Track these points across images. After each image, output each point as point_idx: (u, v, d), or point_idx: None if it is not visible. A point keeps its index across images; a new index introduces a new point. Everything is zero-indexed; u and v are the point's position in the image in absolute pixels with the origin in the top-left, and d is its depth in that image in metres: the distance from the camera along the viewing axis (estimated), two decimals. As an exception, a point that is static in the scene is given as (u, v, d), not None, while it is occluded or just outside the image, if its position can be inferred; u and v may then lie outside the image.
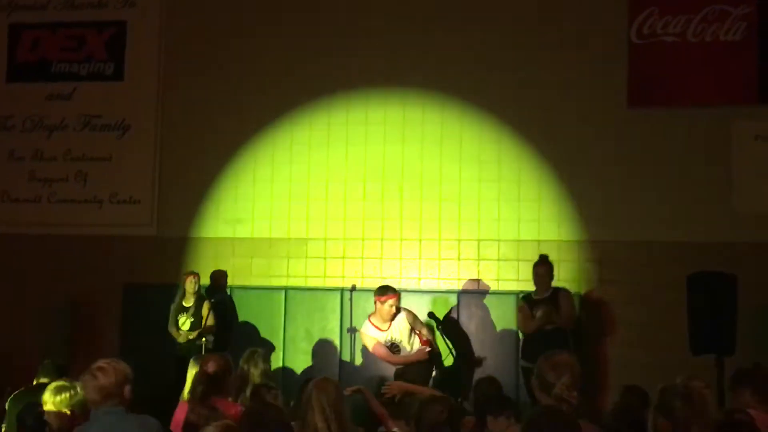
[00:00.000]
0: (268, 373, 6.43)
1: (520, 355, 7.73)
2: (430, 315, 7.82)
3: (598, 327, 8.30)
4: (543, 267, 7.76)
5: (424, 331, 7.24)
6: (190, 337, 8.09)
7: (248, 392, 5.80)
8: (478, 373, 7.65)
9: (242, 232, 9.06)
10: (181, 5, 9.49)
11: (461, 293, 8.62)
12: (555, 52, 8.65)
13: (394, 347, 7.14)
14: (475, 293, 8.57)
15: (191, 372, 5.80)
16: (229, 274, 8.89)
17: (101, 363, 4.10)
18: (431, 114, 8.84)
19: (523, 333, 7.85)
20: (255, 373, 6.23)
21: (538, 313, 7.58)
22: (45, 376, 5.85)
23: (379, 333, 7.12)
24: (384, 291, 7.13)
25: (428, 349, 7.12)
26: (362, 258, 8.72)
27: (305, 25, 9.17)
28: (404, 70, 8.89)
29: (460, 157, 8.78)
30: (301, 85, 9.07)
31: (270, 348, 8.29)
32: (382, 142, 8.91)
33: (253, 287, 8.96)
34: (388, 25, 8.98)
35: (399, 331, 7.12)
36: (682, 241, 8.25)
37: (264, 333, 8.81)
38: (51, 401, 4.79)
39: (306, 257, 8.88)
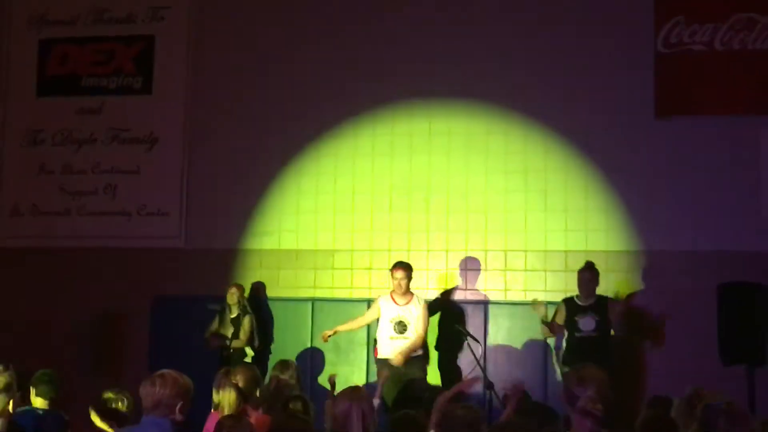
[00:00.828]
0: (300, 383, 6.47)
1: (562, 365, 7.73)
2: (457, 326, 7.83)
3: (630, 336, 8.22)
4: (590, 272, 7.75)
5: (420, 330, 7.78)
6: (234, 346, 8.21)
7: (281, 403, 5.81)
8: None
9: (269, 243, 9.10)
10: (210, 19, 9.58)
11: (488, 304, 8.60)
12: (582, 61, 8.63)
13: (400, 325, 7.74)
14: (504, 304, 8.54)
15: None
16: (257, 285, 8.95)
17: (165, 371, 4.01)
18: (456, 124, 8.85)
19: (550, 331, 7.87)
20: (289, 383, 6.26)
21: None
22: (39, 389, 5.78)
23: (393, 305, 7.79)
24: (395, 265, 7.90)
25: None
26: (389, 269, 8.71)
27: (329, 38, 9.21)
28: (430, 81, 8.90)
29: (486, 167, 8.77)
30: (327, 98, 9.10)
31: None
32: (408, 153, 8.93)
33: (279, 299, 8.99)
34: (411, 35, 9.00)
35: (412, 313, 7.78)
36: (710, 251, 8.19)
37: (291, 345, 8.83)
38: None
39: (333, 268, 8.90)
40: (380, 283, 8.61)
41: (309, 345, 8.80)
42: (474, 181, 8.78)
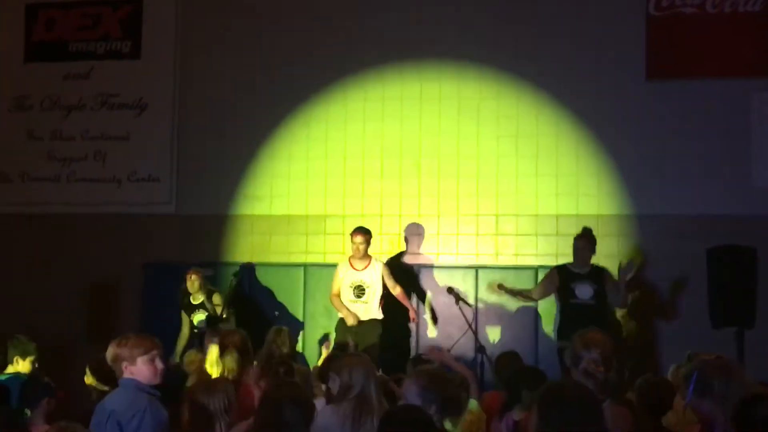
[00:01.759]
0: (294, 350, 6.52)
1: (558, 337, 7.59)
2: (449, 290, 7.87)
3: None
4: (585, 239, 7.69)
5: (392, 286, 8.03)
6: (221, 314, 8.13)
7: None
8: (494, 349, 7.67)
9: (260, 209, 9.09)
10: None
11: (479, 268, 8.63)
12: (574, 24, 8.60)
13: (359, 289, 7.97)
14: (495, 269, 8.58)
15: (212, 348, 5.88)
16: (248, 251, 8.96)
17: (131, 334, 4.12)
18: (448, 88, 8.82)
19: (532, 296, 7.90)
20: (280, 352, 6.31)
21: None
22: (18, 355, 5.83)
23: (351, 271, 8.02)
24: (355, 230, 8.08)
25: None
26: (381, 234, 8.72)
27: (321, 1, 9.14)
28: (421, 44, 8.85)
29: (477, 132, 8.76)
30: (316, 63, 9.05)
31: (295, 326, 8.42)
32: (399, 118, 8.90)
33: (272, 264, 9.00)
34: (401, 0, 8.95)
35: (372, 277, 8.01)
36: (700, 215, 8.22)
37: (283, 310, 8.87)
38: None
39: (324, 234, 8.91)
40: (372, 248, 8.62)
41: (302, 310, 8.83)
42: (465, 145, 8.77)
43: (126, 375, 3.99)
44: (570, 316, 7.49)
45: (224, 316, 7.96)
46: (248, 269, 8.88)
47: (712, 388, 3.45)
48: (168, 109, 9.44)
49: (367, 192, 8.89)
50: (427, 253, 8.78)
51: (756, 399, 3.24)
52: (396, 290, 8.09)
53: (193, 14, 9.45)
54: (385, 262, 8.35)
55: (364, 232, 8.04)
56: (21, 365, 5.78)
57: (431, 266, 8.74)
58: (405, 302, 8.16)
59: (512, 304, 8.42)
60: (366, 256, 8.04)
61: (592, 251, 7.71)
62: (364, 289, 7.99)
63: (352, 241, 8.02)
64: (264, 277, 8.96)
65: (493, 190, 8.68)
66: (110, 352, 4.02)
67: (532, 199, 8.62)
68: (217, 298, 8.21)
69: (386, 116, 8.91)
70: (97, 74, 9.64)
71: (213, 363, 5.73)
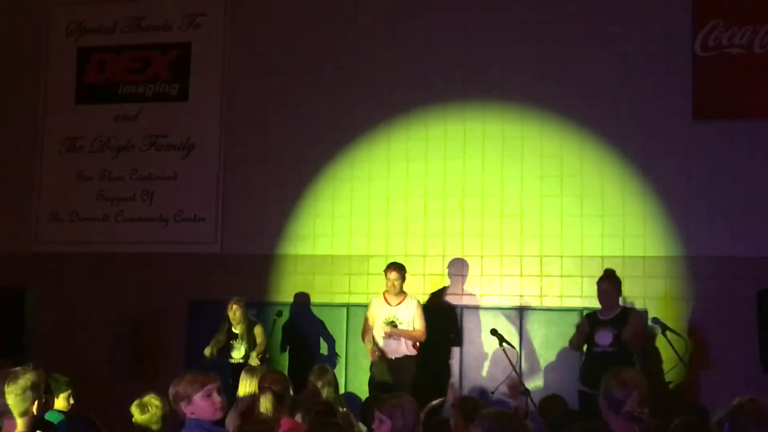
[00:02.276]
0: (337, 390, 6.48)
1: (579, 380, 7.40)
2: (493, 332, 7.78)
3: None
4: (606, 282, 7.42)
5: (418, 327, 7.84)
6: (252, 363, 8.12)
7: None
8: (539, 392, 7.56)
9: (304, 249, 9.13)
10: (244, 26, 9.63)
11: (524, 310, 8.55)
12: (619, 64, 8.57)
13: (392, 324, 7.86)
14: (539, 310, 8.49)
15: (244, 384, 5.87)
16: (291, 291, 8.99)
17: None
18: (492, 128, 8.82)
19: (572, 348, 7.66)
20: (327, 390, 6.28)
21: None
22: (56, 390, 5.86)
23: (385, 306, 7.90)
24: (388, 266, 8.01)
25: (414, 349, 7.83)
26: (424, 275, 8.70)
27: (362, 43, 9.24)
28: (464, 84, 8.88)
29: (521, 171, 8.73)
30: (360, 103, 9.13)
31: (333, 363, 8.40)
32: (442, 158, 8.91)
33: (315, 304, 9.01)
34: (445, 38, 8.99)
35: (405, 313, 7.87)
36: (749, 256, 8.08)
37: (326, 350, 8.86)
38: (138, 416, 4.93)
39: (368, 274, 8.90)
40: (415, 287, 8.60)
41: (344, 350, 8.81)
42: (509, 185, 8.74)
43: (188, 414, 3.97)
44: (590, 363, 7.24)
45: (259, 356, 8.01)
46: (291, 309, 8.89)
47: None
48: (214, 150, 9.57)
49: (410, 232, 8.89)
50: (470, 293, 8.73)
51: None
52: (417, 332, 7.84)
53: (239, 58, 9.60)
54: (426, 299, 8.29)
55: (398, 268, 7.94)
56: (56, 402, 5.82)
57: (476, 307, 8.68)
58: (410, 340, 7.85)
59: (557, 345, 8.31)
60: (401, 292, 7.95)
61: (617, 292, 7.40)
62: (397, 325, 7.85)
63: (386, 277, 7.92)
64: (307, 317, 8.96)
65: (537, 230, 8.63)
66: (170, 392, 4.02)
67: (577, 240, 8.54)
68: (258, 331, 8.24)
69: (429, 156, 8.93)
70: (145, 116, 9.82)
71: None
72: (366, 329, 8.00)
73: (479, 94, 8.85)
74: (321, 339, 8.94)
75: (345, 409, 6.60)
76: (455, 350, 8.63)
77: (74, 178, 9.88)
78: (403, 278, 7.93)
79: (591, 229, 8.51)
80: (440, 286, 8.77)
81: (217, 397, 3.96)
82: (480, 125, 8.84)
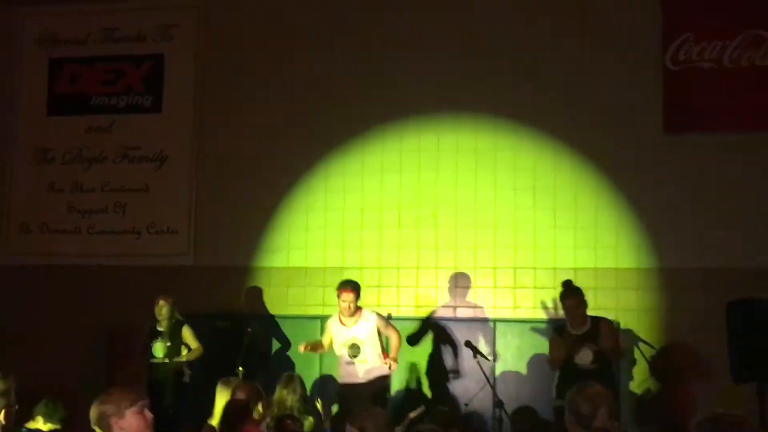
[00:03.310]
0: (305, 398, 6.46)
1: (554, 394, 7.35)
2: (467, 344, 7.78)
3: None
4: (570, 299, 7.27)
5: (393, 340, 7.43)
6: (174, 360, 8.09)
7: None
8: (513, 403, 7.57)
9: (278, 261, 9.10)
10: (218, 38, 9.62)
11: (497, 322, 8.57)
12: (591, 78, 8.64)
13: (353, 348, 7.33)
14: (513, 322, 8.52)
15: (220, 398, 5.85)
16: (264, 303, 8.95)
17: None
18: (465, 141, 8.85)
19: (552, 367, 7.44)
20: (292, 398, 6.26)
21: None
22: (42, 416, 5.78)
23: (342, 328, 7.37)
24: (340, 284, 7.39)
25: (390, 367, 7.34)
26: (398, 287, 8.70)
27: (337, 55, 9.25)
28: (437, 96, 8.91)
29: (494, 183, 8.76)
30: (333, 116, 9.13)
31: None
32: (416, 170, 8.93)
33: (288, 316, 8.98)
34: (418, 50, 9.03)
35: (364, 332, 7.33)
36: (719, 267, 8.15)
37: (300, 362, 8.82)
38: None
39: (341, 286, 8.88)
40: (389, 300, 8.62)
41: (318, 363, 8.78)
42: (483, 197, 8.77)
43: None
44: (568, 378, 7.02)
45: (185, 359, 7.95)
46: (264, 321, 8.84)
47: None
48: (187, 162, 9.53)
49: (384, 244, 8.89)
50: (444, 306, 8.74)
51: None
52: (393, 340, 7.52)
53: (213, 69, 9.58)
54: (399, 311, 8.28)
55: (354, 289, 7.34)
56: (43, 426, 5.74)
57: (450, 319, 8.68)
58: (393, 350, 7.52)
59: (531, 357, 8.33)
60: (356, 311, 7.42)
61: (584, 306, 7.30)
62: (359, 347, 7.35)
63: (340, 298, 7.36)
64: (279, 330, 8.92)
65: (510, 242, 8.66)
66: (93, 411, 3.72)
67: (550, 252, 8.58)
68: (187, 332, 8.19)
69: (404, 168, 8.95)
70: (118, 127, 9.76)
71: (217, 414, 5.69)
72: (324, 342, 7.60)
73: (453, 106, 8.88)
74: (294, 352, 8.89)
75: (311, 418, 6.59)
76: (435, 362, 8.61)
77: (45, 189, 9.80)
78: (357, 297, 7.39)
79: (564, 240, 8.56)
80: (415, 300, 8.77)
81: (148, 414, 3.83)
82: (454, 137, 8.88)
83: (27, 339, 9.18)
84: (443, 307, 8.73)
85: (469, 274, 8.72)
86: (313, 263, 9.02)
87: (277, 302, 9.01)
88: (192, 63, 9.67)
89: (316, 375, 8.70)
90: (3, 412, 3.84)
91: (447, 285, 8.74)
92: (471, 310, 8.69)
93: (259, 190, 9.22)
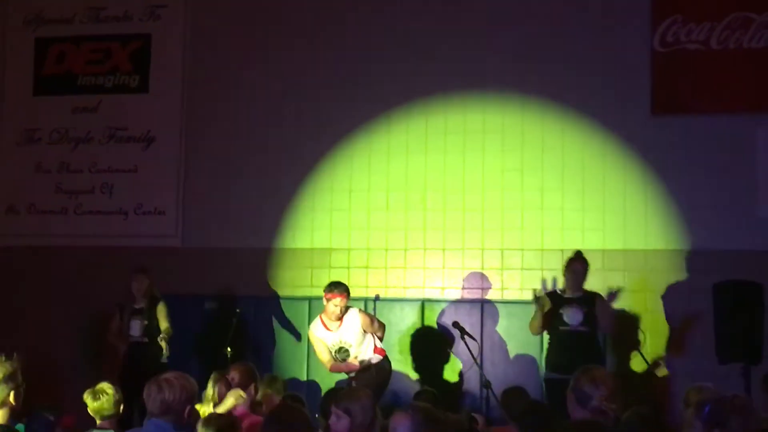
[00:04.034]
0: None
1: (544, 366, 7.50)
2: (455, 324, 7.82)
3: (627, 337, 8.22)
4: (581, 263, 7.49)
5: (379, 335, 7.29)
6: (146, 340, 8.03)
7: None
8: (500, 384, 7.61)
9: (266, 242, 9.09)
10: (207, 16, 9.56)
11: (485, 303, 8.60)
12: (578, 59, 8.64)
13: (342, 351, 7.13)
14: (500, 303, 8.55)
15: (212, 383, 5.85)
16: (252, 284, 8.94)
17: (170, 376, 3.91)
18: (453, 122, 8.85)
19: (532, 331, 7.56)
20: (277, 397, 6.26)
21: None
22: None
23: (327, 333, 7.14)
24: (330, 288, 7.11)
25: (379, 358, 7.22)
26: (386, 268, 8.71)
27: (330, 33, 9.21)
28: (425, 78, 8.89)
29: (482, 165, 8.77)
30: (321, 98, 9.10)
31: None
32: (404, 152, 8.93)
33: (277, 297, 8.98)
34: (405, 35, 9.00)
35: (350, 332, 7.13)
36: (706, 249, 8.21)
37: (288, 344, 8.85)
38: (91, 404, 4.90)
39: (330, 267, 8.90)
40: (377, 281, 8.65)
41: (306, 344, 8.78)
42: (471, 179, 8.78)
43: None
44: (559, 343, 7.29)
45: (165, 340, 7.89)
46: (252, 303, 8.84)
47: (728, 423, 3.38)
48: (175, 143, 9.49)
49: (372, 225, 8.89)
50: (432, 286, 8.76)
51: None
52: (379, 333, 7.30)
53: (201, 49, 9.52)
54: (387, 292, 8.26)
55: (345, 292, 7.11)
56: None
57: (437, 300, 8.71)
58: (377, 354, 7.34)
59: (518, 338, 8.38)
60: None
61: (585, 276, 7.52)
62: (347, 350, 7.19)
63: (327, 301, 7.17)
64: (268, 311, 8.92)
65: (498, 224, 8.68)
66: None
67: (537, 234, 8.61)
68: (162, 309, 8.13)
69: (391, 150, 8.94)
70: (105, 108, 9.70)
71: (209, 398, 5.70)
72: (329, 366, 7.32)
73: (441, 88, 8.87)
74: (283, 333, 8.91)
75: None
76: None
77: (32, 170, 9.73)
78: (347, 300, 7.17)
79: (551, 222, 8.59)
80: (403, 280, 8.78)
81: None
82: (442, 119, 8.87)
83: (14, 319, 9.15)
84: (430, 287, 8.75)
85: (456, 255, 8.73)
86: (300, 245, 9.02)
87: (266, 284, 9.01)
88: (180, 43, 9.60)
89: (303, 377, 8.70)
90: (12, 393, 3.83)
91: (435, 266, 8.75)
92: (458, 291, 8.71)
93: (247, 171, 9.19)
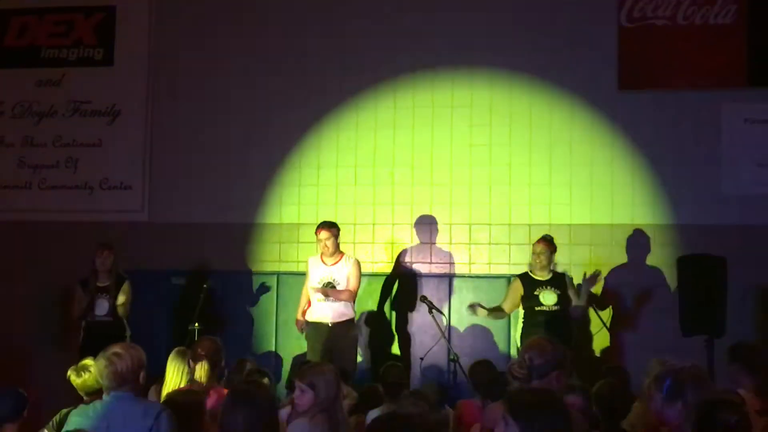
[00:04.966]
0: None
1: (519, 342, 7.54)
2: (422, 299, 7.87)
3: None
4: (543, 243, 7.63)
5: (352, 286, 7.64)
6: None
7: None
8: (467, 358, 7.67)
9: (233, 217, 9.05)
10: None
11: (453, 277, 8.65)
12: (547, 35, 8.65)
13: (328, 285, 7.59)
14: (468, 277, 8.60)
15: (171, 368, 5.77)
16: (220, 259, 8.90)
17: (117, 348, 4.07)
18: (422, 98, 8.84)
19: (506, 309, 7.75)
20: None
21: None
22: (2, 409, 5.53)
23: (321, 266, 7.65)
24: (319, 225, 7.75)
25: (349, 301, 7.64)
26: (354, 243, 8.72)
27: (292, 8, 9.14)
28: (393, 54, 8.87)
29: (450, 140, 8.78)
30: (292, 70, 9.05)
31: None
32: (372, 128, 8.91)
33: (245, 272, 8.96)
34: (379, 10, 8.97)
35: (341, 273, 7.64)
36: (670, 224, 8.31)
37: (256, 319, 8.84)
38: (75, 380, 4.89)
39: (298, 242, 8.89)
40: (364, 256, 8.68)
41: (274, 318, 8.80)
42: (439, 154, 8.79)
43: None
44: (534, 322, 7.45)
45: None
46: (220, 278, 8.80)
47: (684, 395, 3.46)
48: (140, 117, 9.39)
49: (340, 200, 8.88)
50: (401, 261, 8.78)
51: (716, 405, 3.28)
52: (346, 292, 7.57)
53: (166, 20, 9.41)
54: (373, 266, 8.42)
55: (328, 227, 7.69)
56: None
57: (407, 274, 8.74)
58: (345, 297, 7.62)
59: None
60: (337, 252, 7.73)
61: (550, 257, 7.67)
62: (334, 287, 7.59)
63: (317, 238, 7.73)
64: (236, 286, 8.90)
65: (466, 199, 8.71)
66: None
67: (505, 209, 8.65)
68: (126, 288, 8.08)
69: (360, 125, 8.92)
70: (69, 81, 9.57)
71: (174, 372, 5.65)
72: (303, 294, 7.88)
73: (409, 64, 8.85)
74: (252, 308, 8.89)
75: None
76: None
77: (-6, 144, 9.61)
78: (335, 236, 7.68)
79: (518, 197, 8.63)
80: (371, 255, 8.80)
81: None
82: (410, 95, 8.86)
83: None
84: (405, 262, 8.77)
85: (425, 230, 8.75)
86: (269, 219, 8.99)
87: (235, 258, 8.97)
88: (145, 14, 9.48)
89: (272, 348, 8.69)
90: None
91: (403, 241, 8.78)
92: (426, 265, 8.74)
93: (214, 145, 9.13)
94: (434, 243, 8.75)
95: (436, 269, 8.73)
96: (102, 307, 8.03)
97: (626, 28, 8.57)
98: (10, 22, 9.75)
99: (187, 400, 4.41)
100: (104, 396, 4.08)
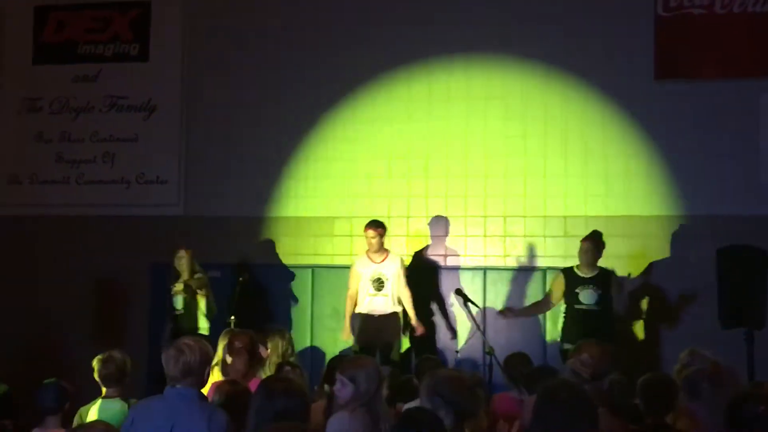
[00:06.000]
0: (292, 351, 6.49)
1: (561, 338, 7.61)
2: (457, 292, 7.84)
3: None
4: (590, 241, 7.64)
5: (403, 287, 7.97)
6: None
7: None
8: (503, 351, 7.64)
9: (269, 210, 9.09)
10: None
11: (488, 270, 8.61)
12: (582, 25, 8.57)
13: (378, 282, 7.93)
14: (503, 270, 8.56)
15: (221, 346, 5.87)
16: (255, 253, 8.94)
17: (188, 340, 4.06)
18: (456, 89, 8.80)
19: (549, 301, 7.78)
20: (283, 345, 6.30)
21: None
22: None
23: (370, 264, 7.96)
24: (367, 224, 8.04)
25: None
26: (389, 236, 8.70)
27: (321, 1, 9.14)
28: (428, 43, 8.84)
29: (484, 132, 8.74)
30: (325, 64, 9.05)
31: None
32: (406, 120, 8.89)
33: (280, 266, 8.99)
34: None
35: (390, 269, 7.97)
36: (710, 215, 8.20)
37: (292, 312, 8.87)
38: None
39: (332, 235, 8.90)
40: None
41: (309, 312, 8.82)
42: (473, 146, 8.75)
43: None
44: (574, 320, 7.51)
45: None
46: (256, 271, 8.84)
47: (700, 392, 3.55)
48: (176, 111, 9.46)
49: (374, 193, 8.88)
50: (435, 254, 8.76)
51: (744, 399, 3.30)
52: (405, 294, 7.99)
53: (200, 15, 9.46)
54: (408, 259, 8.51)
55: (375, 226, 7.99)
56: None
57: (439, 267, 8.72)
58: (410, 311, 8.02)
59: (520, 305, 8.36)
60: (382, 249, 8.02)
61: (599, 254, 7.66)
62: (383, 282, 7.93)
63: (366, 235, 7.98)
64: (272, 279, 8.94)
65: (501, 191, 8.66)
66: None
67: (540, 200, 8.60)
68: (204, 277, 8.19)
69: (394, 118, 8.90)
70: (105, 76, 9.67)
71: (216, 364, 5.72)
72: (349, 295, 8.06)
73: (444, 53, 8.81)
74: (287, 301, 8.93)
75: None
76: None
77: (33, 140, 9.72)
78: (381, 236, 7.97)
79: (554, 189, 8.57)
80: (406, 248, 8.78)
81: None
82: (445, 86, 8.82)
83: (16, 289, 9.18)
84: (433, 255, 8.75)
85: (459, 222, 8.72)
86: (303, 213, 9.01)
87: (270, 251, 9.01)
88: (179, 10, 9.54)
89: (307, 342, 8.73)
90: None
91: (438, 234, 8.75)
92: (461, 258, 8.72)
93: (249, 139, 9.16)
94: (468, 235, 8.72)
95: (470, 262, 8.70)
96: (178, 302, 8.17)
97: (663, 18, 8.46)
98: (48, 18, 9.86)
99: (233, 390, 4.43)
100: (166, 389, 4.05)
